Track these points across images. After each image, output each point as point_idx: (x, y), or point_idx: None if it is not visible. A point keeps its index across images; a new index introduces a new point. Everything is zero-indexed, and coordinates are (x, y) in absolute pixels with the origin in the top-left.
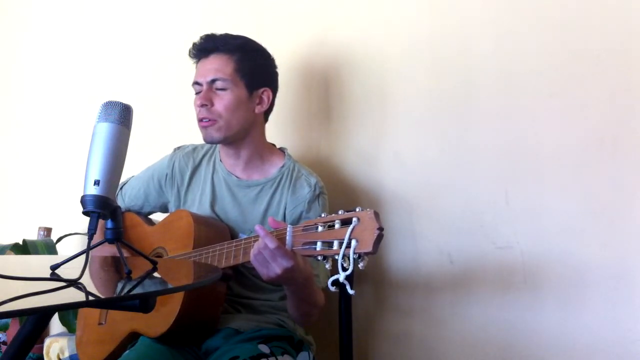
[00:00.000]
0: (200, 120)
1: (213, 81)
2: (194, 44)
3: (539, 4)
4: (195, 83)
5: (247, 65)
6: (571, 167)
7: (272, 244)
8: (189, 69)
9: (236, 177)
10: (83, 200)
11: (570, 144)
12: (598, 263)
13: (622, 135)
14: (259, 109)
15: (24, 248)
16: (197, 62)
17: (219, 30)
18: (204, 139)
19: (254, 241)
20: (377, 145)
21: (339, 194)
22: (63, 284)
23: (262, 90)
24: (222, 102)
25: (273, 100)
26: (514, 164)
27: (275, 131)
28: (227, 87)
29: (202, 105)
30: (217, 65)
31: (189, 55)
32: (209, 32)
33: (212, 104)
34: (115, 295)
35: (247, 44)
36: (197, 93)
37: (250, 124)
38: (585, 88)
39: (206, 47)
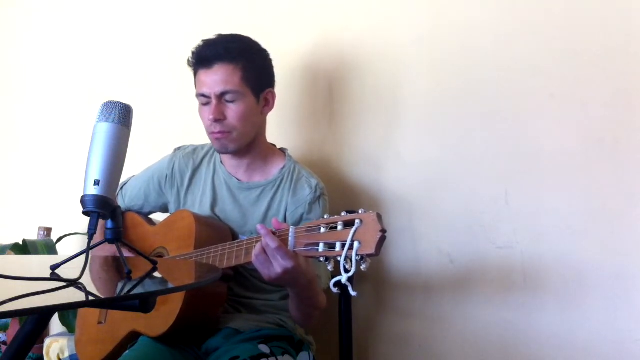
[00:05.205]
0: (213, 133)
1: (223, 94)
2: (193, 53)
3: (539, 4)
4: (202, 95)
5: (252, 71)
6: (571, 167)
7: (273, 243)
8: (188, 68)
9: (237, 179)
10: (83, 200)
11: (570, 144)
12: (598, 263)
13: (622, 135)
14: (265, 111)
15: (24, 248)
16: (197, 71)
17: (220, 31)
18: (218, 150)
19: (256, 242)
20: (378, 145)
21: (340, 194)
22: (63, 284)
23: (267, 92)
24: (235, 114)
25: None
26: (514, 164)
27: (277, 131)
28: (237, 99)
29: (216, 120)
30: (224, 77)
31: (188, 64)
32: (209, 33)
33: (225, 117)
34: (115, 295)
35: (248, 48)
36: (204, 104)
37: (259, 128)
38: (585, 88)
39: (207, 55)
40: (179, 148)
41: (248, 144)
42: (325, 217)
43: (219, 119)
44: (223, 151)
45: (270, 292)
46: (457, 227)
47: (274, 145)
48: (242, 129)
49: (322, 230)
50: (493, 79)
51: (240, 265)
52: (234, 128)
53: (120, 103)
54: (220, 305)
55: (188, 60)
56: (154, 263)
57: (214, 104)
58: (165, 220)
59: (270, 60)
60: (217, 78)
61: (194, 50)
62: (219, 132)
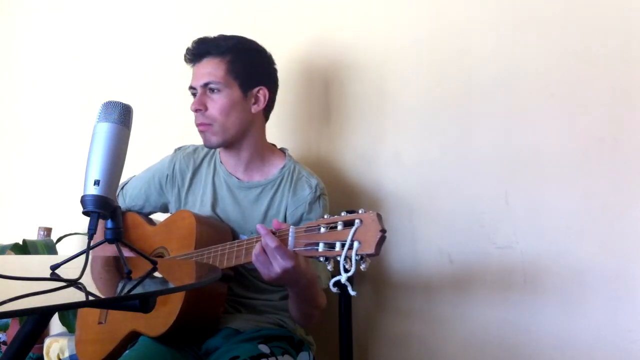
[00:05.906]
0: (197, 125)
1: (206, 85)
2: (188, 49)
3: (539, 4)
4: (191, 87)
5: (240, 65)
6: (571, 167)
7: (272, 243)
8: (188, 68)
9: (237, 178)
10: (83, 200)
11: (570, 144)
12: (598, 263)
13: (622, 135)
14: (255, 109)
15: (24, 248)
16: (192, 67)
17: (218, 31)
18: (204, 144)
19: (256, 241)
20: (377, 145)
21: (339, 195)
22: (63, 284)
23: (257, 89)
24: (216, 105)
25: (272, 98)
26: (514, 164)
27: (275, 132)
28: (220, 90)
29: (196, 110)
30: (210, 69)
31: (184, 60)
32: (208, 32)
33: (206, 108)
34: (115, 295)
35: (240, 44)
36: (193, 97)
37: (248, 124)
38: (585, 88)
39: (199, 51)
40: (179, 148)
41: (237, 140)
42: (325, 217)
43: (199, 109)
44: (207, 144)
45: (270, 292)
46: (457, 227)
47: (274, 145)
48: (223, 121)
49: (322, 230)
50: (493, 79)
51: (240, 265)
52: (214, 119)
53: (120, 103)
54: (220, 306)
55: (184, 57)
56: (154, 263)
57: (198, 95)
58: (166, 220)
59: (266, 59)
60: (203, 71)
61: (189, 47)
62: (200, 124)
